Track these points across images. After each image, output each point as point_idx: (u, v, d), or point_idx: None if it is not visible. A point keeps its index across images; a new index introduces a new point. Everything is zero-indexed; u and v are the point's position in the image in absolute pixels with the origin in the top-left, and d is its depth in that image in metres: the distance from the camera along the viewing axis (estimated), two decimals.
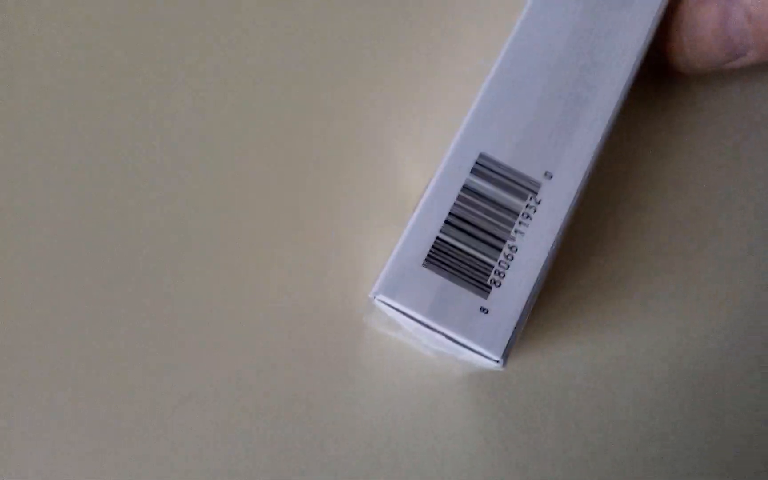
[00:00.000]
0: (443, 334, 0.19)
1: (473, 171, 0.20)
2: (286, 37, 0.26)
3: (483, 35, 0.26)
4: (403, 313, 0.19)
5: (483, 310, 0.19)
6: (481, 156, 0.20)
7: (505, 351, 0.19)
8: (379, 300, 0.19)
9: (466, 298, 0.19)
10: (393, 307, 0.19)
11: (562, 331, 0.25)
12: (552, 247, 0.20)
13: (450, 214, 0.19)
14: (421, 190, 0.25)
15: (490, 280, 0.19)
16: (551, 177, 0.20)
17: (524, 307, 0.19)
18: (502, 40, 0.22)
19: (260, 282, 0.25)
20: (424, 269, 0.19)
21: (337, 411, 0.24)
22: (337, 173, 0.26)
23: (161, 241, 0.24)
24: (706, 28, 0.21)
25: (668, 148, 0.26)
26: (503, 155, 0.20)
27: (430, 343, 0.21)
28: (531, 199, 0.20)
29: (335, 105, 0.26)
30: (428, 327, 0.19)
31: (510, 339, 0.19)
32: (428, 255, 0.19)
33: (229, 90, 0.26)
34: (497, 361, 0.19)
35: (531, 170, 0.20)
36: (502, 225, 0.20)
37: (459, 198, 0.19)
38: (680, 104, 0.26)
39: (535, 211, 0.20)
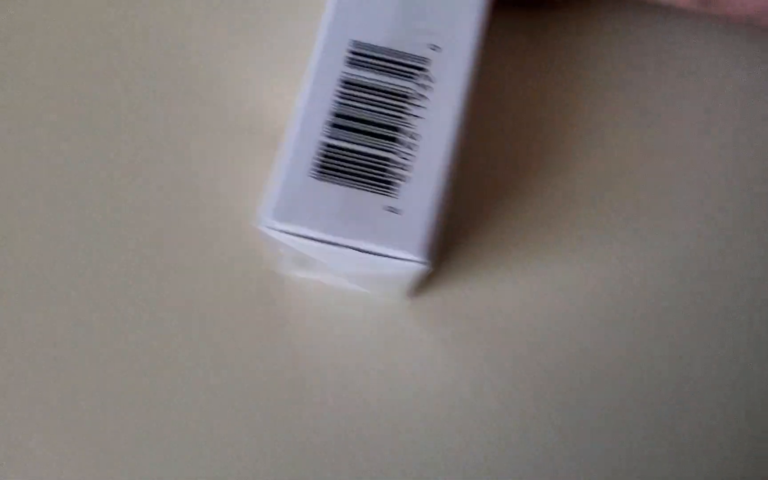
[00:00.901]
0: (354, 248, 0.16)
1: (349, 62, 0.17)
2: None
3: None
4: (305, 237, 0.16)
5: (392, 210, 0.16)
6: (355, 43, 0.17)
7: (426, 249, 0.16)
8: (271, 228, 0.16)
9: (370, 202, 0.16)
10: (290, 233, 0.16)
11: (495, 259, 0.23)
12: (457, 123, 0.17)
13: (332, 114, 0.17)
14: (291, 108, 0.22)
15: (395, 177, 0.16)
16: (439, 49, 0.18)
17: (438, 197, 0.17)
18: None
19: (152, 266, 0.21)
20: (317, 181, 0.16)
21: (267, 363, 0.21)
22: (186, 116, 0.23)
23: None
24: None
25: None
26: (379, 37, 0.17)
27: (348, 268, 0.18)
28: (421, 77, 0.17)
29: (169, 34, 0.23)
30: (336, 245, 0.16)
31: (429, 235, 0.16)
32: (318, 164, 0.16)
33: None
34: (421, 263, 0.16)
35: (413, 47, 0.17)
36: (393, 112, 0.17)
37: (338, 94, 0.17)
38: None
39: (429, 90, 0.17)
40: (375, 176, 0.16)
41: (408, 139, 0.17)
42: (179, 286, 0.21)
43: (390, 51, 0.17)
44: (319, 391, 0.21)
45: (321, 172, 0.16)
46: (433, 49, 0.18)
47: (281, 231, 0.16)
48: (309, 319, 0.21)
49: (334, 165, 0.16)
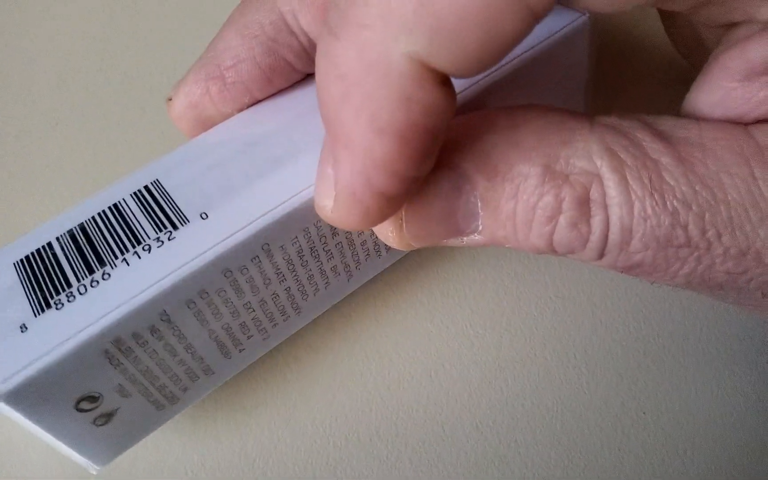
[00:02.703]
0: None
1: (136, 194, 0.16)
2: None
3: None
4: None
5: (23, 327, 0.14)
6: (155, 182, 0.16)
7: (11, 385, 0.13)
8: None
9: (17, 305, 0.14)
10: None
11: None
12: (153, 293, 0.14)
13: (78, 226, 0.16)
14: None
15: (55, 300, 0.14)
16: (206, 218, 0.15)
17: (73, 345, 0.14)
18: None
19: None
20: (9, 264, 0.15)
21: None
22: None
23: None
24: (432, 204, 0.16)
25: None
26: (171, 181, 0.16)
27: None
28: (166, 232, 0.15)
29: None
30: None
31: (28, 370, 0.13)
32: (27, 255, 0.15)
33: None
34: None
35: (188, 204, 0.15)
36: (114, 248, 0.15)
37: (100, 214, 0.16)
38: None
39: (160, 246, 0.15)
40: (43, 286, 0.14)
41: (100, 277, 0.14)
42: None
43: (165, 194, 0.16)
44: None
45: (23, 261, 0.15)
46: (202, 217, 0.15)
47: None
48: None
49: (35, 261, 0.15)
